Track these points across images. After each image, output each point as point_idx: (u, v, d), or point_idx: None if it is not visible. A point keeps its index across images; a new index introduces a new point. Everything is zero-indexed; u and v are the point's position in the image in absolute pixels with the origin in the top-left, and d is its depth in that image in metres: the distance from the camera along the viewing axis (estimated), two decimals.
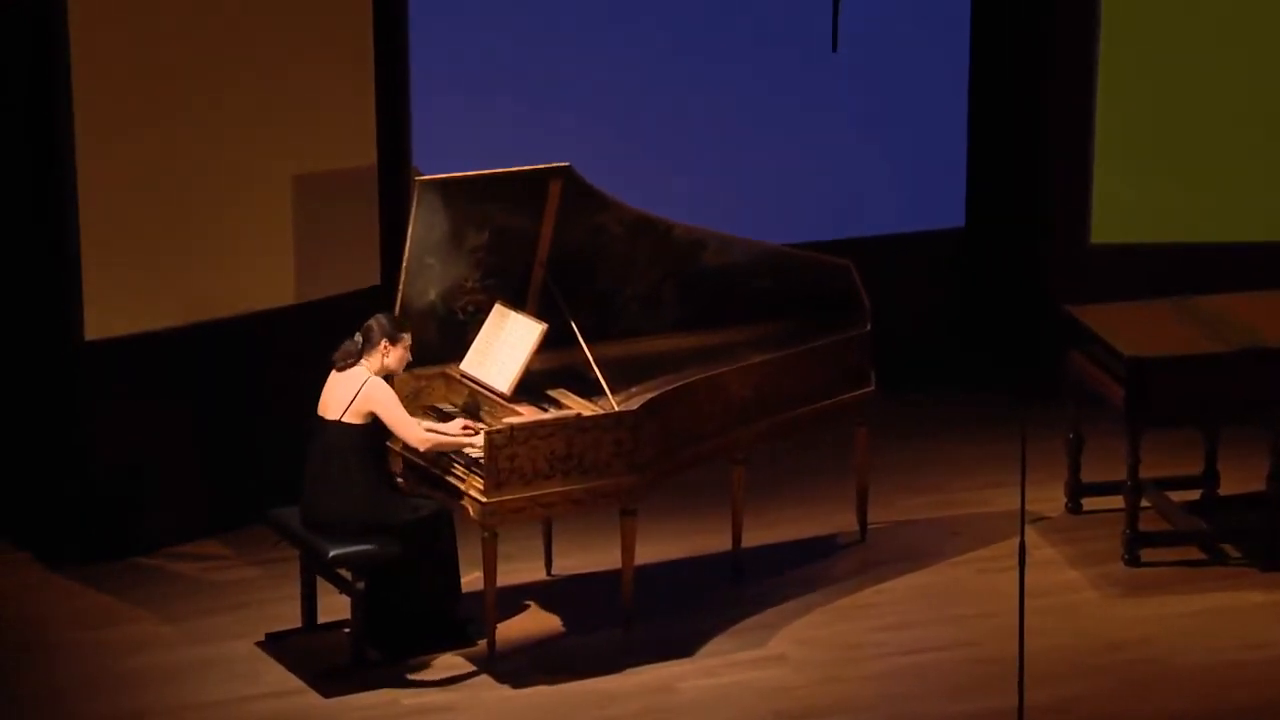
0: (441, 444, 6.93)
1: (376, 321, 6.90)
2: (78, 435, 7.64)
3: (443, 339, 7.30)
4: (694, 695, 6.78)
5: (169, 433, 7.77)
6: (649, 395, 7.10)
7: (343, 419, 6.82)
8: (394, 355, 6.89)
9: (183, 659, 6.99)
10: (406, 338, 6.92)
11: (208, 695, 6.75)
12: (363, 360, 6.87)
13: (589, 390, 7.15)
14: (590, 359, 7.07)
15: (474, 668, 6.93)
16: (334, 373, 6.90)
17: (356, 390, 6.82)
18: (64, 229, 7.47)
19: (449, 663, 6.97)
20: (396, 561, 6.84)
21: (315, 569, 7.00)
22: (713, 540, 7.80)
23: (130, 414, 7.64)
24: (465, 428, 7.05)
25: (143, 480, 7.73)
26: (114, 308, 7.56)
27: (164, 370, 7.71)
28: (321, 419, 6.88)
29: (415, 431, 6.89)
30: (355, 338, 6.89)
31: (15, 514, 7.88)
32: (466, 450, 6.94)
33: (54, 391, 7.66)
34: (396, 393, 7.04)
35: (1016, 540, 6.32)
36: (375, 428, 6.85)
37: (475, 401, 7.19)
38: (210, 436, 7.87)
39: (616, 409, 6.99)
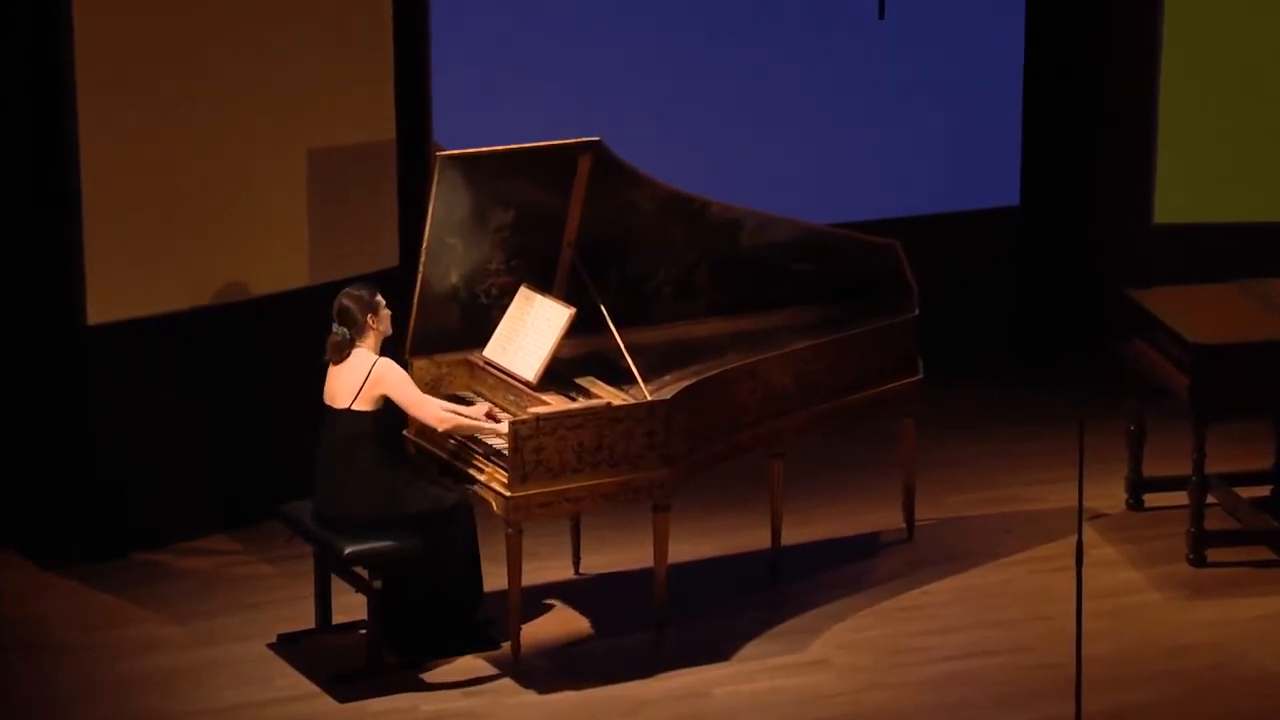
0: (461, 425, 6.93)
1: (349, 300, 6.82)
2: (79, 425, 7.66)
3: (465, 324, 7.30)
4: (729, 701, 6.78)
5: (176, 422, 7.79)
6: (683, 384, 7.09)
7: (352, 407, 6.81)
8: (383, 320, 6.88)
9: (190, 661, 7.01)
10: (380, 298, 6.89)
11: (216, 699, 6.77)
12: (357, 345, 6.86)
13: (619, 379, 7.15)
14: (621, 345, 7.06)
15: (497, 671, 6.94)
16: (332, 366, 6.90)
17: (365, 374, 6.81)
18: (66, 207, 7.49)
19: (470, 666, 6.98)
20: (415, 559, 6.85)
21: (330, 567, 7.02)
22: (750, 537, 7.79)
23: (135, 403, 7.66)
24: (489, 414, 7.05)
25: (148, 472, 7.75)
26: (118, 290, 7.58)
27: (171, 357, 7.73)
28: (330, 409, 6.88)
29: (432, 410, 6.88)
30: (336, 329, 6.86)
31: (14, 508, 7.91)
32: (489, 440, 6.95)
33: (54, 379, 7.68)
34: (417, 381, 7.04)
35: (1073, 539, 6.29)
36: (388, 411, 6.84)
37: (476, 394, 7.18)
38: (219, 426, 7.89)
39: (649, 398, 6.99)
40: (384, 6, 8.05)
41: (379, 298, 6.88)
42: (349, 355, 6.85)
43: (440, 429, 6.90)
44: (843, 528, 7.98)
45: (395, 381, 6.82)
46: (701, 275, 7.59)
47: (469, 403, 7.22)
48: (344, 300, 6.87)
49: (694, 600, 7.37)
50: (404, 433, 7.12)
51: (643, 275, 7.49)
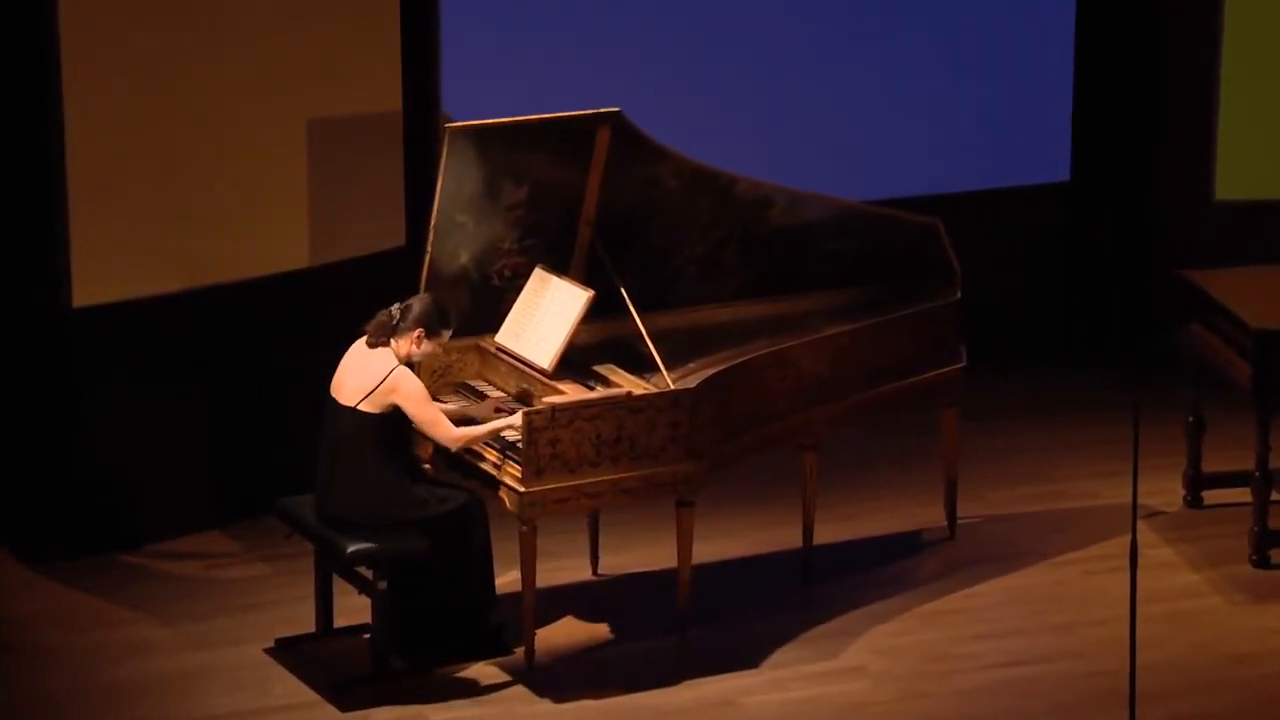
0: (475, 438, 6.90)
1: (421, 305, 6.81)
2: (65, 414, 7.67)
3: (476, 308, 7.30)
4: (759, 711, 6.78)
5: (168, 412, 7.79)
6: (709, 372, 7.08)
7: (359, 407, 6.79)
8: (425, 347, 6.85)
9: (183, 666, 7.02)
10: (445, 335, 6.88)
11: (211, 707, 6.78)
12: (392, 340, 6.83)
13: (641, 366, 7.14)
14: (643, 330, 7.06)
15: (510, 679, 6.94)
16: (358, 344, 6.87)
17: (379, 380, 6.78)
18: (49, 180, 7.49)
19: (482, 673, 6.98)
20: (423, 559, 6.84)
21: (331, 566, 7.02)
22: (780, 535, 7.79)
23: (124, 390, 7.67)
24: (497, 409, 7.04)
25: (138, 465, 7.76)
26: (106, 270, 7.58)
27: (162, 341, 7.74)
28: (334, 401, 6.86)
29: (445, 430, 6.84)
30: (392, 310, 6.83)
31: None
32: (503, 433, 6.93)
33: (37, 365, 7.69)
34: (424, 370, 7.02)
35: (1127, 538, 6.28)
36: (396, 415, 6.82)
37: (527, 390, 7.15)
38: (214, 416, 7.89)
39: (672, 387, 6.98)
40: None
41: (446, 333, 6.85)
42: (380, 345, 6.80)
43: (453, 449, 6.89)
44: (880, 525, 7.97)
45: (409, 396, 6.78)
46: (729, 256, 7.58)
47: (480, 393, 7.21)
48: (418, 299, 6.83)
49: (721, 603, 7.37)
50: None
51: (666, 255, 7.48)
